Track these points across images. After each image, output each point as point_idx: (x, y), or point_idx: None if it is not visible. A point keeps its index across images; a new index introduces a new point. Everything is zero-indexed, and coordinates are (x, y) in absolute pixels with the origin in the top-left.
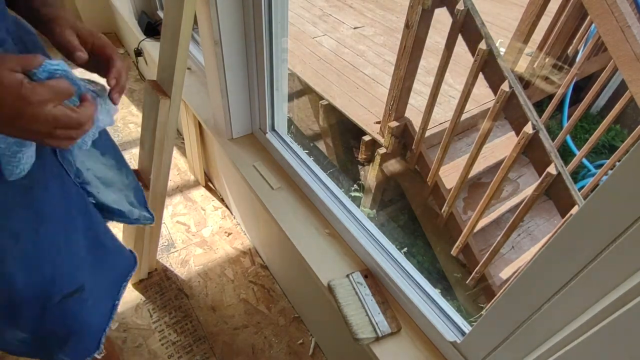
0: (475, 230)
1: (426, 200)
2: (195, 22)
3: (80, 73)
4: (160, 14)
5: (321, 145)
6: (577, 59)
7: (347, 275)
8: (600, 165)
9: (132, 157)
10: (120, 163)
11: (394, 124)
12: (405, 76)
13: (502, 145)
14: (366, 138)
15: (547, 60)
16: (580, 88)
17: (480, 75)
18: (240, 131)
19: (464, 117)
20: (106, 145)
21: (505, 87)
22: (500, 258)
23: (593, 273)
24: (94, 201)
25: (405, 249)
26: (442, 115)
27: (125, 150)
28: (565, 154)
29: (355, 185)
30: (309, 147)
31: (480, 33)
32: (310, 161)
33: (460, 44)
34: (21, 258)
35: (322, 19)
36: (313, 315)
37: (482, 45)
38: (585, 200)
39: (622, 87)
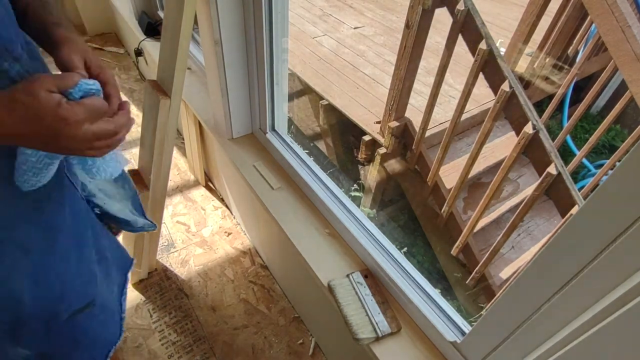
0: (475, 230)
1: (426, 200)
2: (196, 22)
3: None
4: (161, 14)
5: (321, 145)
6: (577, 59)
7: (347, 275)
8: (600, 165)
9: (132, 157)
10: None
11: (394, 123)
12: (405, 76)
13: (502, 145)
14: (366, 138)
15: (547, 60)
16: (581, 88)
17: (481, 75)
18: (240, 131)
19: (464, 117)
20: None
21: (505, 87)
22: (500, 258)
23: (593, 273)
24: (99, 212)
25: (405, 249)
26: (442, 115)
27: (125, 150)
28: (566, 154)
29: (355, 185)
30: (309, 147)
31: (480, 33)
32: (310, 161)
33: (461, 44)
34: (30, 273)
35: (322, 19)
36: (313, 315)
37: (483, 45)
38: (585, 200)
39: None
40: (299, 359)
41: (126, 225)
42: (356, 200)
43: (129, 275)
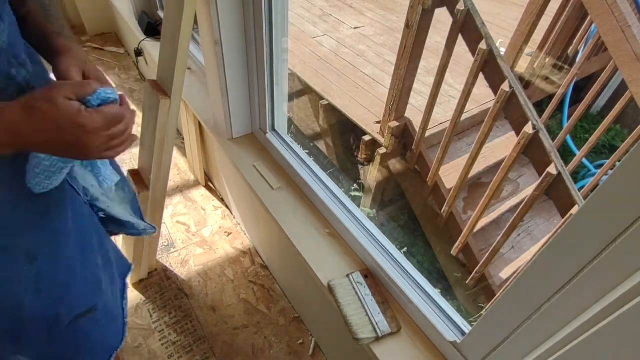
0: (475, 230)
1: (426, 200)
2: (196, 22)
3: None
4: (161, 14)
5: (321, 145)
6: (577, 59)
7: (347, 275)
8: (600, 165)
9: (132, 157)
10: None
11: (394, 123)
12: (405, 76)
13: (502, 145)
14: (366, 138)
15: (547, 60)
16: (581, 88)
17: (481, 75)
18: (240, 131)
19: (464, 117)
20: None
21: (505, 87)
22: (500, 258)
23: (593, 273)
24: (103, 215)
25: (405, 249)
26: (442, 115)
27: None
28: (566, 154)
29: (355, 185)
30: (309, 147)
31: (480, 33)
32: (310, 161)
33: (461, 44)
34: (33, 279)
35: (322, 19)
36: (313, 315)
37: (483, 45)
38: (585, 200)
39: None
40: (299, 359)
41: (130, 228)
42: (356, 200)
43: (128, 279)
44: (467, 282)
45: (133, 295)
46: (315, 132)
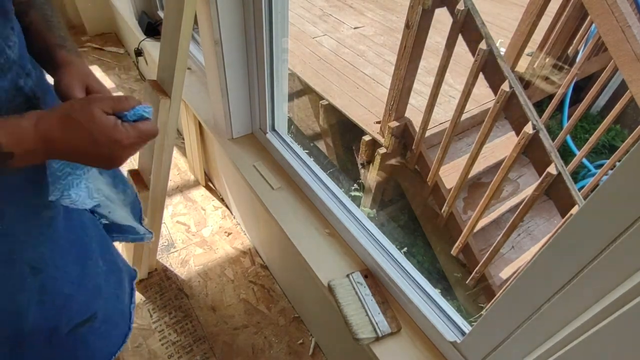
0: (475, 230)
1: (426, 200)
2: (196, 22)
3: None
4: (161, 14)
5: (321, 145)
6: (577, 59)
7: (347, 275)
8: (600, 165)
9: (132, 157)
10: (117, 179)
11: (394, 124)
12: (405, 76)
13: (502, 145)
14: (366, 138)
15: (547, 60)
16: (581, 88)
17: (481, 75)
18: (240, 131)
19: (464, 117)
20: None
21: (505, 87)
22: (500, 258)
23: (593, 273)
24: (106, 221)
25: (405, 249)
26: (442, 115)
27: None
28: (566, 154)
29: (355, 185)
30: (309, 147)
31: (480, 33)
32: (310, 161)
33: (461, 44)
34: (38, 291)
35: (322, 19)
36: (313, 315)
37: (483, 45)
38: (585, 200)
39: (622, 87)
40: (299, 359)
41: (131, 233)
42: (356, 200)
43: (134, 283)
44: (467, 282)
45: None
46: (315, 132)
